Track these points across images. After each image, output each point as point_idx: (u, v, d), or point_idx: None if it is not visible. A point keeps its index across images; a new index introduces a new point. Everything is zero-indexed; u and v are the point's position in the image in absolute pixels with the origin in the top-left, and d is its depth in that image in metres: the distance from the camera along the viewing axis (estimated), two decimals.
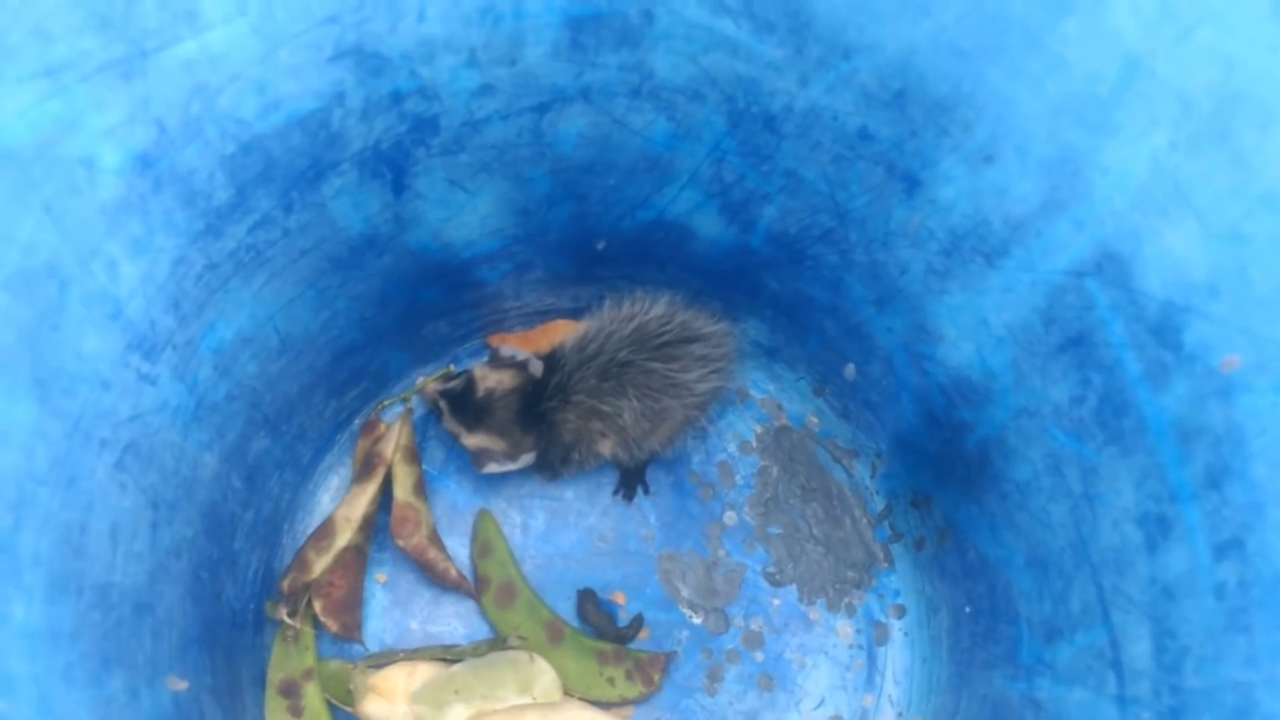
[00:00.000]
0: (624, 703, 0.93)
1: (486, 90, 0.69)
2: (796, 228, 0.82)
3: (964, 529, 0.86)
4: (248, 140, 0.63)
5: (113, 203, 0.58)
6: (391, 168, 0.73)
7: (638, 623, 0.94)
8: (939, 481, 0.89)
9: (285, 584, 0.91)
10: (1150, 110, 0.53)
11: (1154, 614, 0.61)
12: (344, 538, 0.92)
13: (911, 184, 0.69)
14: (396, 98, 0.67)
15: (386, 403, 0.98)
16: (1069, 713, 0.69)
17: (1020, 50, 0.56)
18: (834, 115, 0.69)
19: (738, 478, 0.99)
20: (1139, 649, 0.62)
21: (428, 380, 0.98)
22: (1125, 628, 0.64)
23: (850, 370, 0.94)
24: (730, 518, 0.99)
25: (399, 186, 0.75)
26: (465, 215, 0.82)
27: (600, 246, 0.91)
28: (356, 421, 0.98)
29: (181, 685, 0.75)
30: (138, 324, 0.65)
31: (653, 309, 0.88)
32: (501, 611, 0.93)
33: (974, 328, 0.74)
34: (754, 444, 1.01)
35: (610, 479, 0.99)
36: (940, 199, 0.68)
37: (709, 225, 0.86)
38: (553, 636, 0.92)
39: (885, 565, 0.98)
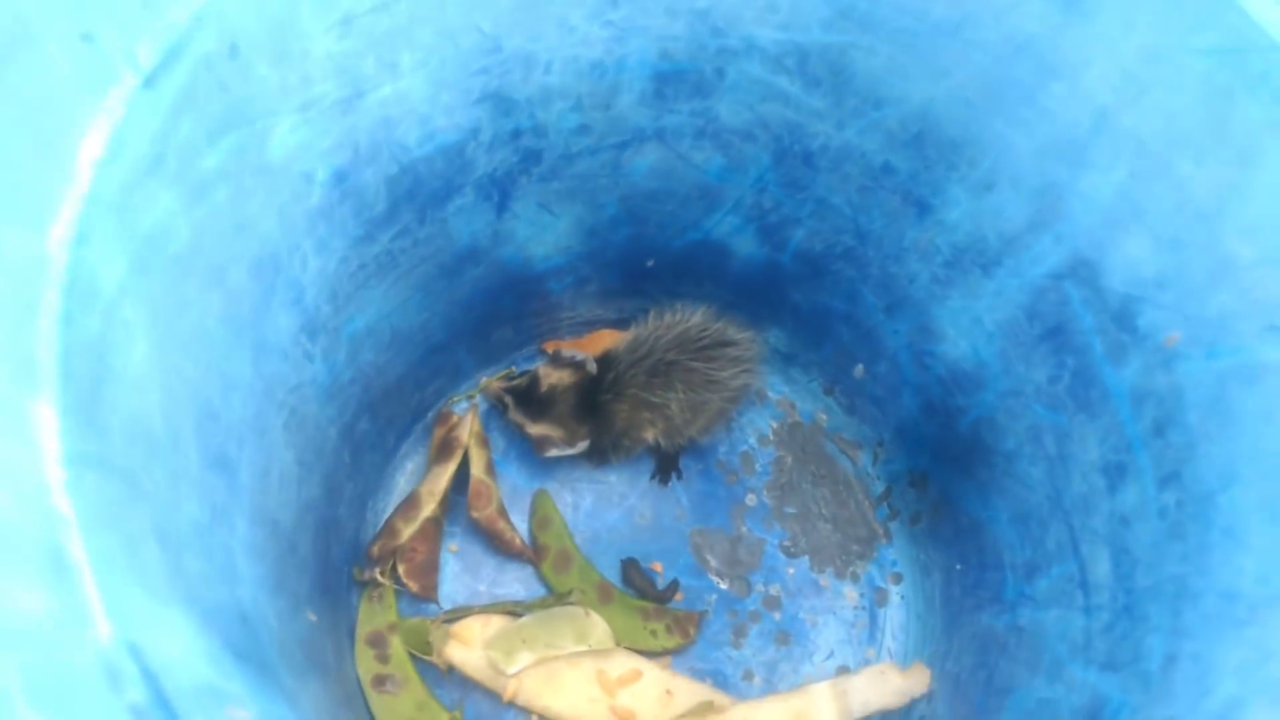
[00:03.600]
0: (664, 652, 1.07)
1: (584, 129, 0.86)
2: (822, 246, 0.98)
3: (956, 499, 1.03)
4: (406, 163, 0.79)
5: (315, 209, 0.74)
6: (500, 191, 0.89)
7: (674, 586, 1.05)
8: (936, 461, 1.05)
9: (375, 549, 1.05)
10: (1114, 150, 0.71)
11: (1113, 540, 0.78)
12: (427, 509, 1.06)
13: (923, 208, 0.87)
14: (516, 134, 0.84)
15: (456, 398, 1.11)
16: (1046, 628, 0.86)
17: (1017, 103, 0.74)
18: (862, 153, 0.86)
19: (757, 466, 1.12)
20: (1101, 568, 0.79)
21: (491, 380, 1.11)
22: (1091, 554, 0.80)
23: (859, 370, 1.10)
24: (751, 499, 1.12)
25: (502, 207, 0.91)
26: (547, 234, 0.98)
27: (650, 264, 1.07)
28: (430, 414, 1.10)
29: (313, 618, 0.89)
30: (309, 309, 0.80)
31: (692, 318, 1.02)
32: (558, 576, 1.06)
33: (970, 326, 0.91)
34: (771, 437, 1.14)
35: (648, 467, 1.11)
36: (947, 220, 0.86)
37: (746, 245, 1.03)
38: (603, 596, 1.05)
39: (884, 539, 1.12)
